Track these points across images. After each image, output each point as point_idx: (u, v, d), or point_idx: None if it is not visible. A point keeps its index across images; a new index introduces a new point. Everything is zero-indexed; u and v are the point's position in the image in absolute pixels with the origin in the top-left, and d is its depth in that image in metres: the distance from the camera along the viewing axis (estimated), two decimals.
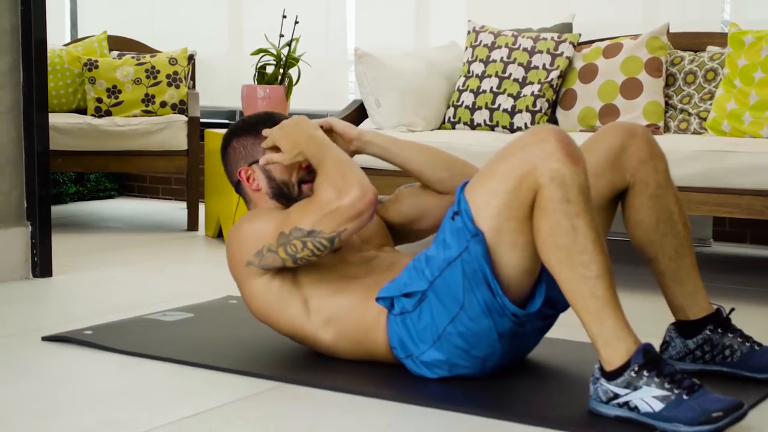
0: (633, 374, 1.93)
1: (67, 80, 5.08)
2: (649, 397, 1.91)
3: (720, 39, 3.93)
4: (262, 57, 4.30)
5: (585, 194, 2.00)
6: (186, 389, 2.23)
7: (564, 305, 2.22)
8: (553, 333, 2.42)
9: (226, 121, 5.86)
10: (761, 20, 3.96)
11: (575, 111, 3.94)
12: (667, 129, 3.83)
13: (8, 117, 3.48)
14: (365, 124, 4.27)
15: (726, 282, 3.58)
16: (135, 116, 4.86)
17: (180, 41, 5.29)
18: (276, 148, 2.39)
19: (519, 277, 2.11)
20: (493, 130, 4.03)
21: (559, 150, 2.00)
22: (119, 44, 5.35)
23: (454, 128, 4.14)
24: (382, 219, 2.56)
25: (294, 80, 4.32)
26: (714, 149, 3.29)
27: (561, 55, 3.98)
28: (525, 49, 4.04)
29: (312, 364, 2.36)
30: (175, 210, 5.54)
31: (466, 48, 4.23)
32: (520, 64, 4.03)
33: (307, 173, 2.42)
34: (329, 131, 2.43)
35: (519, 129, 3.96)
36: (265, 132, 2.40)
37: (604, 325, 1.96)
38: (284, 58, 4.25)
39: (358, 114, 4.32)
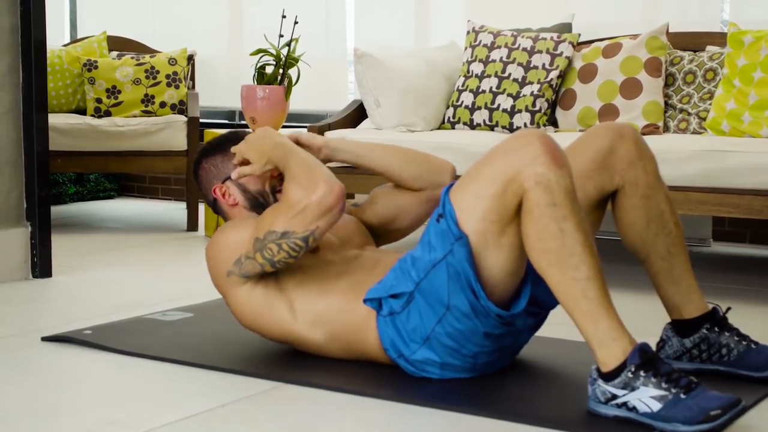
0: (630, 375, 1.93)
1: (67, 81, 5.08)
2: (646, 398, 1.92)
3: (719, 39, 3.93)
4: (261, 57, 4.30)
5: (571, 197, 2.00)
6: (185, 389, 2.23)
7: (551, 303, 2.23)
8: (551, 333, 2.42)
9: (226, 122, 5.87)
10: (761, 20, 3.96)
11: (575, 111, 3.94)
12: (666, 129, 3.83)
13: (8, 117, 3.48)
14: (365, 125, 4.28)
15: (725, 282, 3.58)
16: (134, 116, 4.86)
17: (179, 41, 5.29)
18: (246, 162, 2.43)
19: (503, 278, 2.11)
20: (492, 130, 4.03)
21: (543, 154, 2.01)
22: (119, 44, 5.36)
23: (453, 128, 4.14)
24: (360, 221, 2.58)
25: (293, 80, 4.32)
26: (713, 149, 3.29)
27: (560, 55, 3.98)
28: (524, 49, 4.05)
29: (311, 364, 2.36)
30: (175, 210, 5.54)
31: (466, 48, 4.23)
32: (519, 64, 4.03)
33: (280, 181, 2.46)
34: (297, 144, 2.46)
35: (518, 129, 3.96)
36: (233, 149, 2.45)
37: (599, 326, 1.96)
38: (284, 59, 4.25)
39: (357, 114, 4.32)
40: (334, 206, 2.20)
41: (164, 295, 3.23)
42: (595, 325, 1.97)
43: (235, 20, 5.62)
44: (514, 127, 3.96)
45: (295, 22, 4.26)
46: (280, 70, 4.27)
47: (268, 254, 2.26)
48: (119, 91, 4.92)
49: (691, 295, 2.29)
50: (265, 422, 2.02)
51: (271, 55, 4.27)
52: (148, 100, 4.91)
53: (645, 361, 1.93)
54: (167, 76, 4.95)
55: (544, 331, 2.48)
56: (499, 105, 4.01)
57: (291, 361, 2.39)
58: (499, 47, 4.11)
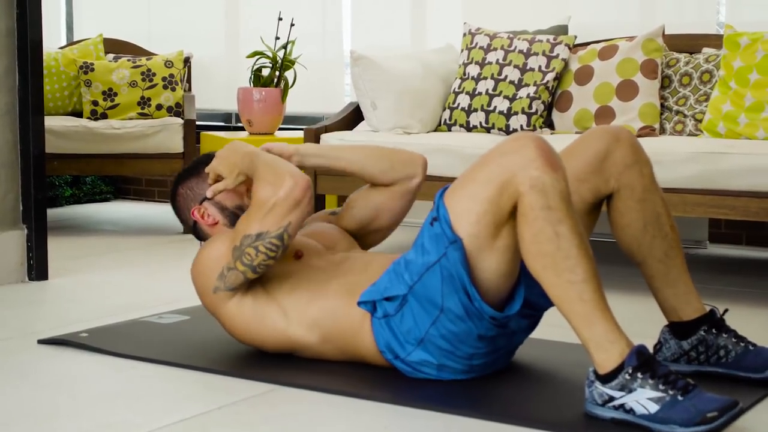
0: (627, 376, 1.93)
1: (63, 83, 5.08)
2: (644, 399, 1.92)
3: (715, 41, 3.94)
4: (258, 59, 4.30)
5: (566, 200, 2.00)
6: (182, 392, 2.23)
7: (545, 305, 2.23)
8: (548, 335, 2.42)
9: (222, 124, 5.87)
10: (756, 22, 3.97)
11: (571, 113, 3.94)
12: (662, 131, 3.83)
13: (4, 120, 3.48)
14: (361, 127, 4.28)
15: (722, 284, 3.58)
16: (131, 119, 4.86)
17: (176, 44, 5.29)
18: (220, 179, 2.44)
19: (497, 281, 2.11)
20: (489, 132, 4.03)
21: (538, 157, 2.01)
22: (115, 47, 5.35)
23: (450, 130, 4.14)
24: (341, 228, 2.59)
25: (290, 83, 4.32)
26: (710, 151, 3.29)
27: (557, 57, 3.98)
28: (521, 51, 4.05)
29: (308, 366, 2.36)
30: (171, 213, 5.51)
31: (462, 50, 4.23)
32: (515, 66, 4.03)
33: None
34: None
35: (515, 131, 3.96)
36: (207, 169, 2.46)
37: (595, 328, 1.97)
38: (280, 61, 4.25)
39: (354, 117, 4.32)
40: (301, 198, 2.22)
41: (160, 297, 3.23)
42: (591, 327, 1.97)
43: (232, 22, 5.62)
44: (511, 129, 3.96)
45: (292, 25, 4.26)
46: (277, 73, 4.27)
47: (247, 260, 2.26)
48: (115, 94, 4.92)
49: (688, 297, 2.29)
50: (261, 425, 2.02)
51: (268, 57, 4.27)
52: (144, 102, 4.90)
53: (642, 363, 1.93)
54: (163, 79, 4.95)
55: (540, 333, 2.48)
56: (495, 107, 4.01)
57: (287, 364, 2.39)
58: (495, 49, 4.11)
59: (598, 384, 1.98)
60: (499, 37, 4.15)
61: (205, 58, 5.51)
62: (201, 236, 2.54)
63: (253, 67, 4.28)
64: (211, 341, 2.61)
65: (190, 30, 5.66)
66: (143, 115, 4.89)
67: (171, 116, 4.89)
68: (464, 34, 4.26)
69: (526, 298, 2.18)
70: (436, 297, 2.12)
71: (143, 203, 5.99)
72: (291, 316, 2.32)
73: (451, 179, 2.73)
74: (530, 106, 3.94)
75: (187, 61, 5.19)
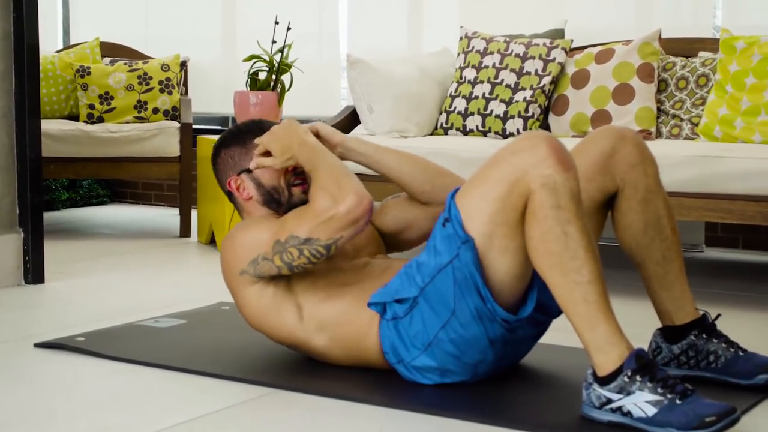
0: (626, 379, 1.93)
1: (60, 87, 5.07)
2: (642, 402, 1.92)
3: (712, 44, 3.94)
4: (254, 63, 4.30)
5: (576, 200, 2.00)
6: (178, 396, 2.23)
7: (557, 311, 2.22)
8: (546, 338, 2.42)
9: (219, 128, 5.86)
10: (753, 26, 3.97)
11: (567, 117, 3.94)
12: (659, 134, 3.83)
13: (0, 123, 3.48)
14: (357, 131, 4.28)
15: (718, 287, 3.58)
16: (127, 122, 4.86)
17: (172, 47, 5.29)
18: (268, 153, 2.39)
19: (510, 282, 2.11)
20: (485, 135, 4.03)
21: (550, 156, 2.01)
22: (111, 51, 5.35)
23: (446, 134, 4.14)
24: (374, 228, 2.57)
25: (286, 86, 4.32)
26: (706, 155, 3.29)
27: (553, 60, 3.99)
28: (517, 55, 4.05)
29: (305, 370, 2.36)
30: (168, 216, 5.53)
31: (459, 54, 4.24)
32: (512, 70, 4.03)
33: (295, 175, 2.42)
34: (315, 136, 2.43)
35: (511, 135, 3.96)
36: (257, 140, 2.40)
37: (597, 330, 1.97)
38: (277, 64, 4.25)
39: (350, 120, 4.32)
40: (360, 218, 2.18)
41: (157, 301, 3.23)
42: (593, 329, 1.97)
43: (228, 26, 5.62)
44: (507, 133, 3.97)
45: (288, 28, 4.26)
46: (273, 76, 4.27)
47: (287, 258, 2.24)
48: (112, 97, 4.91)
49: (682, 301, 2.29)
50: (257, 428, 2.02)
51: (264, 61, 4.27)
52: (140, 106, 4.90)
53: (641, 366, 1.93)
54: (160, 82, 4.95)
55: None
56: (491, 111, 4.01)
57: (284, 367, 2.38)
58: (491, 53, 4.11)
59: (596, 386, 1.98)
60: (496, 40, 4.16)
61: (202, 61, 5.51)
62: (234, 203, 2.50)
63: (249, 70, 4.28)
64: (207, 345, 2.61)
65: (187, 34, 5.66)
66: (140, 119, 4.88)
67: (167, 120, 4.89)
68: (461, 38, 4.26)
69: (539, 301, 2.17)
70: (448, 299, 2.11)
71: (140, 207, 5.99)
72: (305, 315, 2.31)
73: None
74: (527, 110, 3.94)
75: (183, 64, 5.19)
